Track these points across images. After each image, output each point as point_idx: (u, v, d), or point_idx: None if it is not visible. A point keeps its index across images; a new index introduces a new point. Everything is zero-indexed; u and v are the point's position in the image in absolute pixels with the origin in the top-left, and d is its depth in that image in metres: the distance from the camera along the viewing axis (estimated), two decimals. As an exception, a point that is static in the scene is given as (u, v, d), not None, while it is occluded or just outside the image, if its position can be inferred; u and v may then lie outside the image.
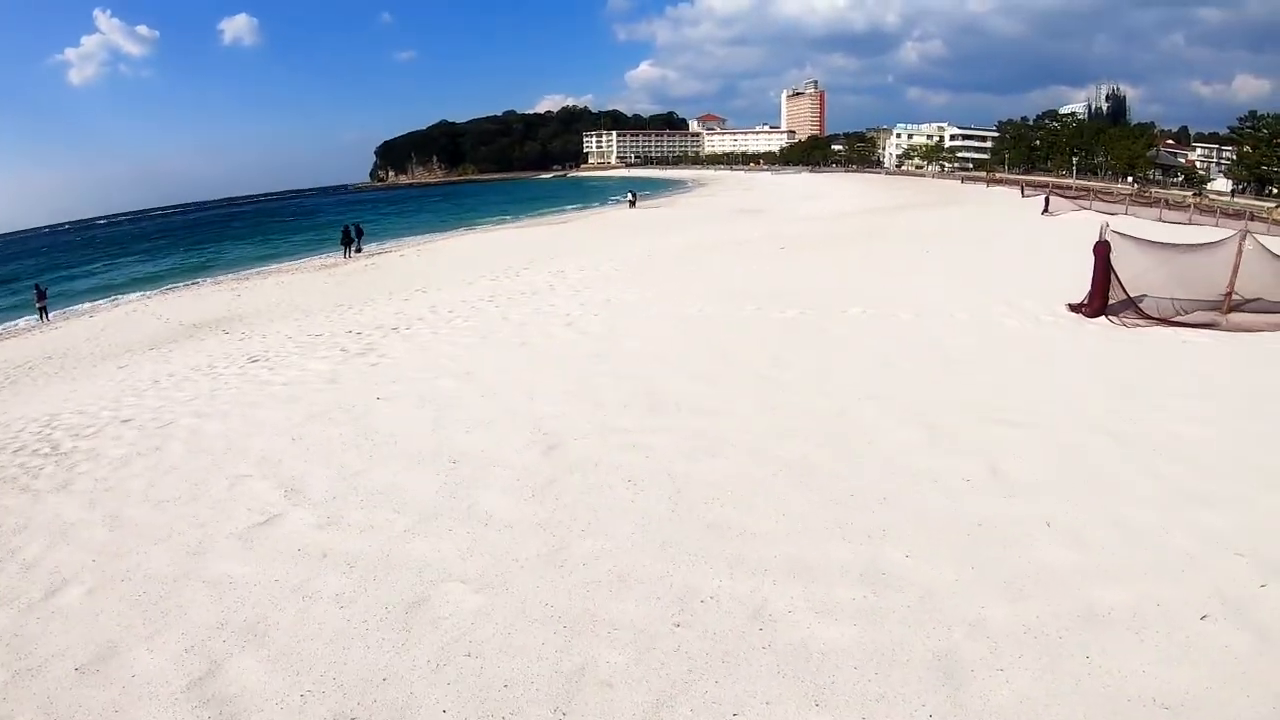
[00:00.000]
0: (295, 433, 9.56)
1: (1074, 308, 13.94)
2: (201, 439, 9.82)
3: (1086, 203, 46.15)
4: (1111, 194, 57.09)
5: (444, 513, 6.81)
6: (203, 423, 10.58)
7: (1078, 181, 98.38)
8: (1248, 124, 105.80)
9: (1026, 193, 63.59)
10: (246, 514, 7.19)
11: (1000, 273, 18.97)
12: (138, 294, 43.70)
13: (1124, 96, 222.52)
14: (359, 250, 47.75)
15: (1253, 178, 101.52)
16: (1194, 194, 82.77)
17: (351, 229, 48.40)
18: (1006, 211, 45.13)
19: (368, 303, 24.01)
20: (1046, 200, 44.95)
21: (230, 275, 47.12)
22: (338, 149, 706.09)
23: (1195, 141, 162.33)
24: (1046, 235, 29.22)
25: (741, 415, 8.85)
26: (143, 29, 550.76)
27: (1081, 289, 14.29)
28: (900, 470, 7.13)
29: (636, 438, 8.27)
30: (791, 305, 15.24)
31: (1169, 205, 47.47)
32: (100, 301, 42.74)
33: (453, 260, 37.16)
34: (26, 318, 38.66)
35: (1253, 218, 43.39)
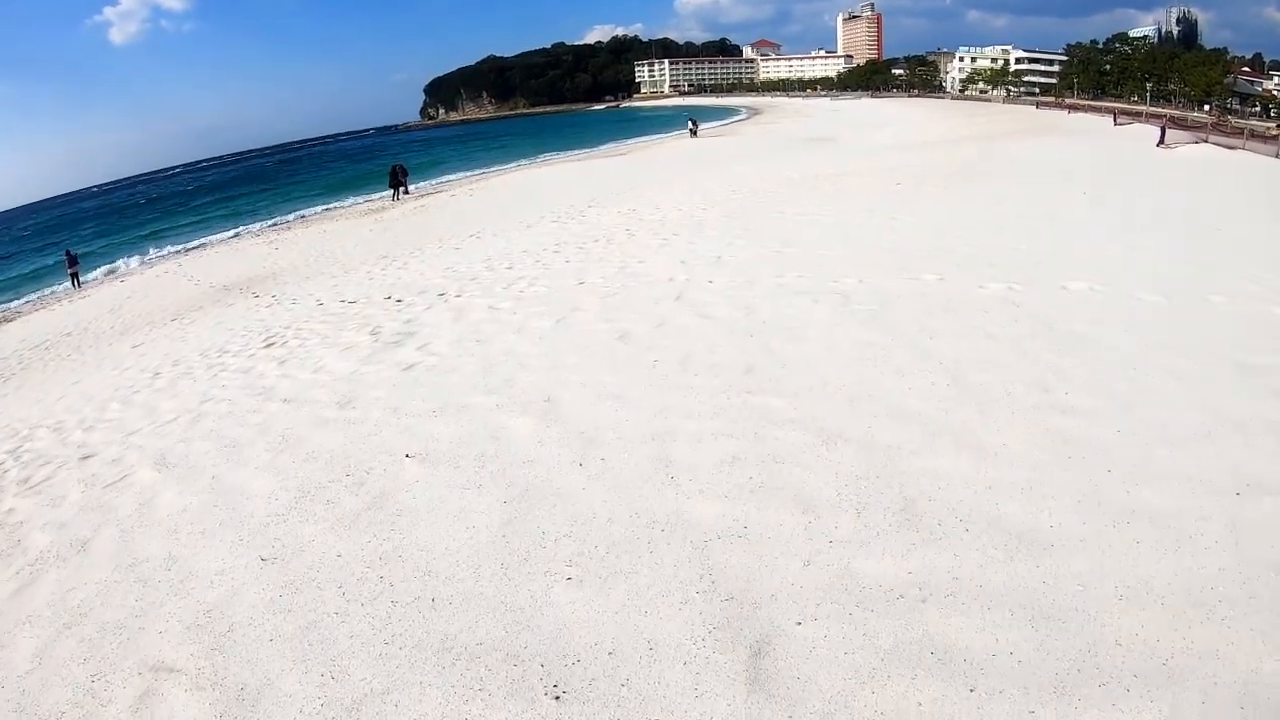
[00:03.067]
0: (270, 541, 5.69)
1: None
2: (144, 532, 6.35)
3: (1203, 135, 42.19)
4: (1225, 126, 51.99)
5: None
6: (160, 484, 7.29)
7: (1171, 110, 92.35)
8: None
9: (1119, 120, 58.87)
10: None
11: (1190, 227, 14.70)
12: (175, 249, 42.46)
13: (1195, 20, 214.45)
14: (406, 191, 45.71)
15: None
16: (1278, 125, 77.32)
17: (399, 170, 46.33)
18: (1117, 143, 40.21)
19: (414, 253, 21.72)
20: (1162, 131, 40.79)
21: (273, 223, 45.61)
22: (387, 89, 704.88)
23: (1271, 69, 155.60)
24: (1188, 175, 25.27)
25: (1080, 537, 4.69)
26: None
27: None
28: None
29: (928, 626, 4.05)
30: (985, 275, 10.88)
31: (1291, 139, 42.38)
32: (134, 261, 41.49)
33: (507, 199, 34.78)
34: (64, 285, 37.59)
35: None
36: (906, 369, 7.50)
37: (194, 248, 41.65)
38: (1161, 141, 38.51)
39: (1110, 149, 36.34)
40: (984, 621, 4.01)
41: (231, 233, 44.86)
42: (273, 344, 12.55)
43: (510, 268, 15.64)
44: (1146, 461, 5.59)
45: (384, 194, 46.70)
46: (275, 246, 31.69)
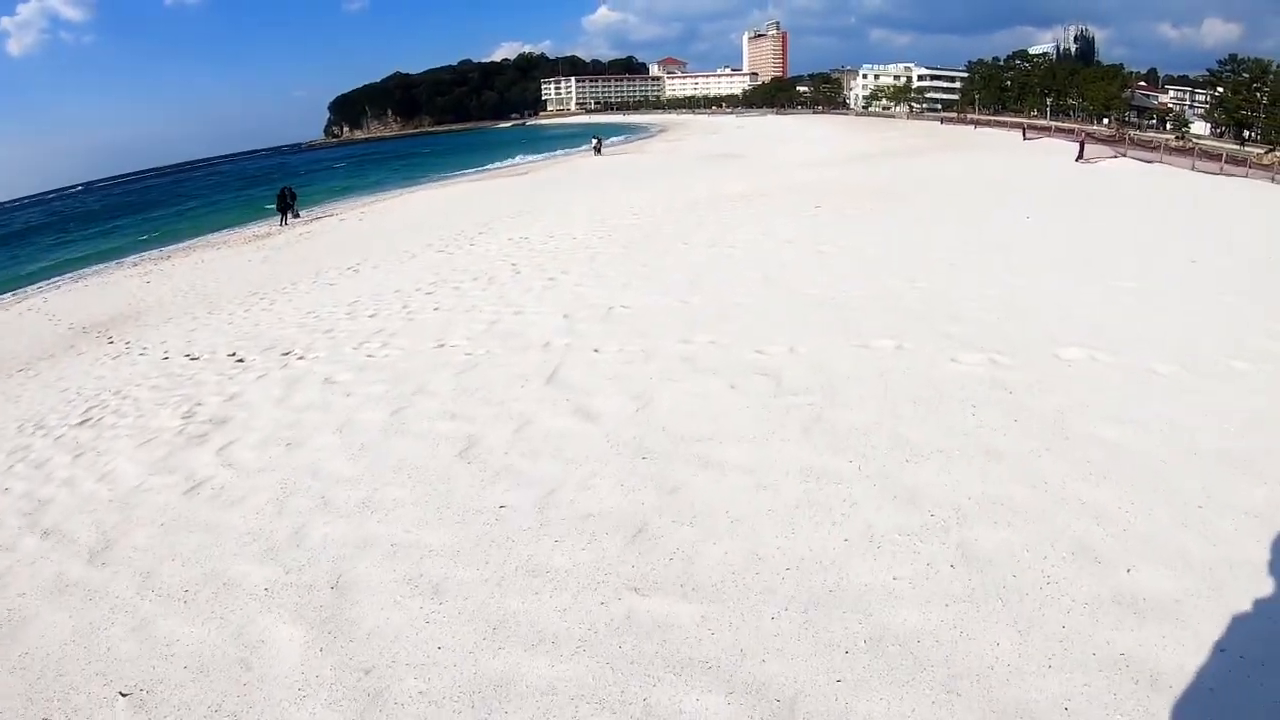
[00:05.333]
0: None
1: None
2: None
3: (1121, 149, 41.88)
4: (1148, 141, 51.65)
5: None
6: None
7: (1083, 125, 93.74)
8: (1227, 67, 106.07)
9: (1029, 135, 58.44)
10: None
11: (1163, 260, 12.80)
12: (49, 281, 37.70)
13: (1093, 37, 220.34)
14: (296, 215, 42.81)
15: (1232, 122, 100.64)
16: (1177, 137, 78.63)
17: (287, 193, 43.60)
18: (1034, 158, 39.38)
19: (284, 290, 19.35)
20: (1081, 146, 39.73)
21: (155, 251, 41.15)
22: (291, 106, 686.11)
23: (1165, 84, 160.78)
24: (1122, 193, 24.21)
25: None
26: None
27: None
28: None
29: None
30: (954, 338, 8.45)
31: (1204, 155, 41.56)
32: (6, 295, 36.30)
33: (398, 224, 32.09)
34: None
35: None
36: (883, 530, 4.86)
37: (68, 279, 37.60)
38: (1081, 156, 37.68)
39: (1030, 165, 35.34)
40: None
41: (113, 261, 40.72)
42: (88, 420, 10.51)
43: (373, 315, 13.53)
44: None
45: (274, 218, 43.58)
46: (148, 280, 28.26)
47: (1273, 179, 31.96)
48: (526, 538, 5.32)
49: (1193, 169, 34.32)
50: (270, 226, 41.18)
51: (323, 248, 27.99)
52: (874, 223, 17.29)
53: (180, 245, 41.75)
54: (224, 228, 48.28)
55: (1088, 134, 47.92)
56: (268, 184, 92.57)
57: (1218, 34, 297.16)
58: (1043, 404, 6.60)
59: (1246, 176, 32.69)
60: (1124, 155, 38.94)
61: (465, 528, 5.57)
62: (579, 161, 62.69)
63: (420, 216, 33.24)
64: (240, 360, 12.14)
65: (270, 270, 24.42)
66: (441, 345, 10.56)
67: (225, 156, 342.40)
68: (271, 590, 5.12)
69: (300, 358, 11.38)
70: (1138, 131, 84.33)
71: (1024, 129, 65.19)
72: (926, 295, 10.45)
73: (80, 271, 38.98)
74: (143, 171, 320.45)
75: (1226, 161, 36.82)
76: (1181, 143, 57.14)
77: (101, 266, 39.04)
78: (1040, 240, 14.53)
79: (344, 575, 5.16)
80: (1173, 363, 7.52)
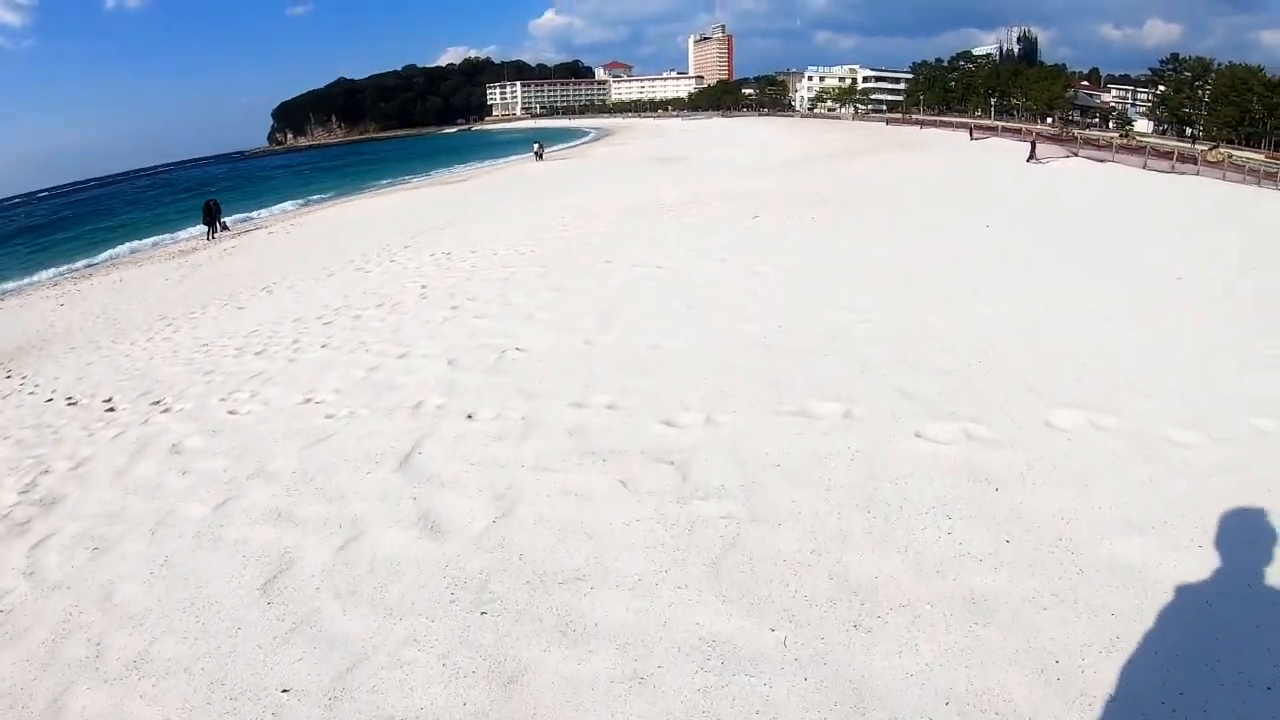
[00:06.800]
0: None
1: None
2: None
3: (1074, 148, 41.62)
4: (1097, 141, 51.28)
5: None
6: None
7: (1035, 125, 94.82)
8: (1169, 66, 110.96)
9: (976, 135, 57.90)
10: None
11: (1143, 276, 11.51)
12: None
13: (1035, 38, 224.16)
14: (225, 228, 41.64)
15: (1174, 119, 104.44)
16: (1120, 135, 79.42)
17: (213, 206, 42.24)
18: (984, 158, 38.91)
19: (191, 315, 18.04)
20: (1032, 146, 39.47)
21: (76, 269, 39.55)
22: (234, 113, 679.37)
23: (1108, 83, 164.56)
24: (1081, 195, 23.66)
25: None
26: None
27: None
28: None
29: None
30: (914, 398, 6.74)
31: (1155, 153, 41.06)
32: None
33: (323, 237, 30.70)
34: None
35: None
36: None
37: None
38: (1032, 156, 37.27)
39: (981, 166, 34.66)
40: None
41: (29, 280, 38.61)
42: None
43: (261, 351, 12.18)
44: None
45: (203, 230, 42.07)
46: (62, 302, 26.64)
47: (1223, 176, 32.23)
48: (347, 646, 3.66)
49: (1145, 168, 33.97)
50: (197, 241, 39.87)
51: (243, 265, 26.74)
52: (817, 236, 15.78)
53: (106, 259, 40.77)
54: (153, 238, 47.12)
55: (1037, 133, 47.46)
56: (202, 195, 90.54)
57: (1159, 34, 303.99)
58: (1040, 506, 4.88)
59: (1198, 174, 33.09)
60: (1076, 155, 38.65)
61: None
62: (519, 168, 60.98)
63: (347, 229, 32.00)
64: (112, 409, 10.81)
65: (184, 292, 23.09)
66: (308, 400, 8.99)
67: (170, 165, 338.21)
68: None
69: (166, 409, 9.99)
70: (1082, 130, 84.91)
71: (971, 129, 64.74)
72: (879, 332, 8.75)
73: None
74: (85, 181, 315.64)
75: (1177, 160, 36.51)
76: (1126, 140, 57.02)
77: (16, 285, 37.26)
78: (1004, 255, 13.02)
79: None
80: (1186, 426, 5.93)
